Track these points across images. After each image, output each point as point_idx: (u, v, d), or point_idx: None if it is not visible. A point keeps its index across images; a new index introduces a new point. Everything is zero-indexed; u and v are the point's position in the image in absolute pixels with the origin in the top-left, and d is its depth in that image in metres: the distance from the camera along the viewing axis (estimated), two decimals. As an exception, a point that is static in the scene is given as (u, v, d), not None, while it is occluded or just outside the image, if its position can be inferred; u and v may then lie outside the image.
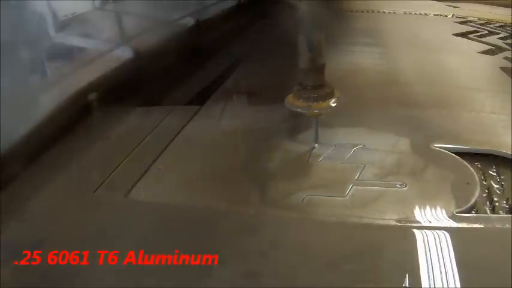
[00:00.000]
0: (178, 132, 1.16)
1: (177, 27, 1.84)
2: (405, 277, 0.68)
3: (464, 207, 0.83)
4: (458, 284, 0.66)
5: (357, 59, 1.70)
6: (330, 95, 0.99)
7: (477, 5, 2.68)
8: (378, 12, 2.48)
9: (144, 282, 0.71)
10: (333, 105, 0.99)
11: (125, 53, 1.47)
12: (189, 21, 1.89)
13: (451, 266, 0.69)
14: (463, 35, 2.06)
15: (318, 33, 0.95)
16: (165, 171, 1.00)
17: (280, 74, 1.44)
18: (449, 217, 0.81)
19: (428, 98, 1.33)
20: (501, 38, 2.01)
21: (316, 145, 1.05)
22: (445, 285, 0.66)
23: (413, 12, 2.47)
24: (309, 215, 0.85)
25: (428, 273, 0.68)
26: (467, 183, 0.89)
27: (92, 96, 1.24)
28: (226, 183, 0.96)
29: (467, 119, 1.20)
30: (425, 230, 0.77)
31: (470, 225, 0.80)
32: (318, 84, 0.98)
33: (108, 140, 1.15)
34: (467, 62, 1.70)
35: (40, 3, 1.17)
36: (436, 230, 0.76)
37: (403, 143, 1.05)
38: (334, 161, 0.99)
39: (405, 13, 2.48)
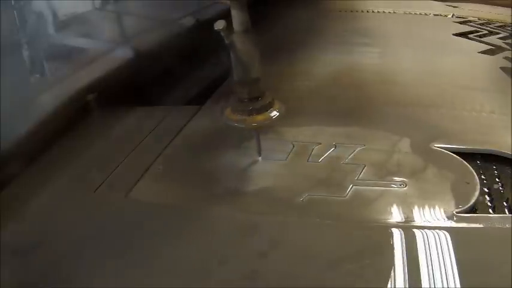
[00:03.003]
0: (178, 132, 1.16)
1: (177, 27, 1.84)
2: (405, 277, 0.68)
3: (464, 207, 0.83)
4: (458, 284, 0.66)
5: (355, 59, 1.69)
6: (267, 107, 0.93)
7: (477, 5, 2.67)
8: (378, 12, 2.47)
9: (143, 282, 0.71)
10: (273, 117, 0.93)
11: (124, 53, 1.47)
12: (189, 21, 1.89)
13: (451, 266, 0.69)
14: (463, 35, 2.05)
15: (250, 45, 0.89)
16: (165, 171, 1.00)
17: (278, 75, 1.44)
18: (449, 217, 0.81)
19: (428, 97, 1.32)
20: (501, 38, 2.00)
21: (259, 158, 1.01)
22: (445, 285, 0.66)
23: (413, 12, 2.47)
24: (308, 215, 0.85)
25: (428, 273, 0.68)
26: (467, 183, 0.89)
27: (92, 96, 1.24)
28: (226, 183, 0.96)
29: (467, 118, 1.20)
30: (425, 230, 0.76)
31: (470, 225, 0.79)
32: (254, 97, 0.92)
33: (108, 140, 1.15)
34: (467, 62, 1.70)
35: (40, 3, 1.17)
36: (436, 230, 0.76)
37: (403, 143, 1.05)
38: (334, 161, 0.99)
39: (405, 13, 2.47)
